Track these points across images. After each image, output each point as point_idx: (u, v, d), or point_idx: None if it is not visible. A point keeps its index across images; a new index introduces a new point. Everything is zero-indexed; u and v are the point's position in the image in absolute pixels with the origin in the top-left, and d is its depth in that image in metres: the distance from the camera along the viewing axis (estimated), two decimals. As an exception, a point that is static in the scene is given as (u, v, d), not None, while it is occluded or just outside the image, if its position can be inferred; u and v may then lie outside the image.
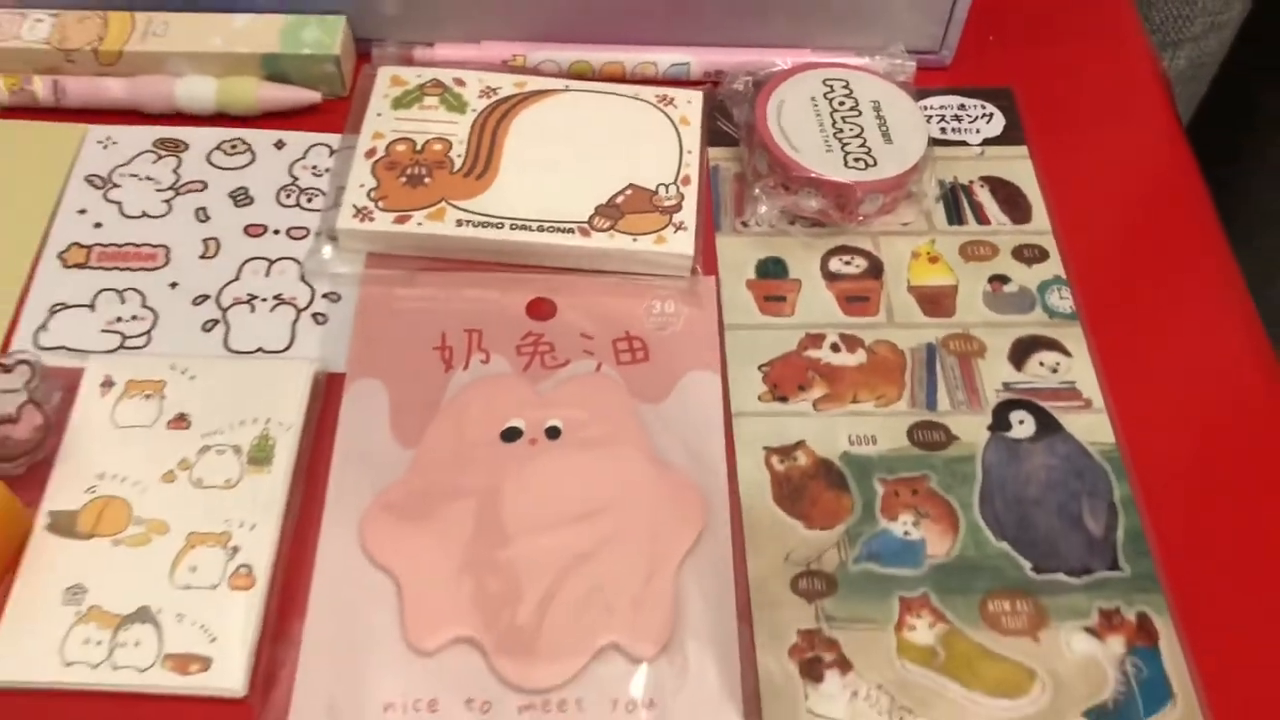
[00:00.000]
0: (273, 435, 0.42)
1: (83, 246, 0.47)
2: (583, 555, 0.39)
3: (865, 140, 0.48)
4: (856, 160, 0.48)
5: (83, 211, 0.48)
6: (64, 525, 0.40)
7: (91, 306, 0.45)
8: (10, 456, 0.40)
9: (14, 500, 0.39)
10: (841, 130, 0.49)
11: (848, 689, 0.38)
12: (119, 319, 0.45)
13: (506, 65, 0.53)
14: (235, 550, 0.39)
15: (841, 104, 0.50)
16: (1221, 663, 0.39)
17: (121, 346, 0.44)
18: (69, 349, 0.44)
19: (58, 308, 0.45)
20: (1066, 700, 0.38)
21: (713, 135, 0.51)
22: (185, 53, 0.50)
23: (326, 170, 0.50)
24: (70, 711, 0.37)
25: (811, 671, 0.38)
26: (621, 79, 0.53)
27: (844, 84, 0.50)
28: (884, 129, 0.49)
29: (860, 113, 0.49)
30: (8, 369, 0.41)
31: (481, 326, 0.46)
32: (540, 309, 0.46)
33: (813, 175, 0.47)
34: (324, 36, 0.51)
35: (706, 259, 0.48)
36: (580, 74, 0.53)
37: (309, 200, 0.49)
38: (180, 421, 0.42)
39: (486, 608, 0.38)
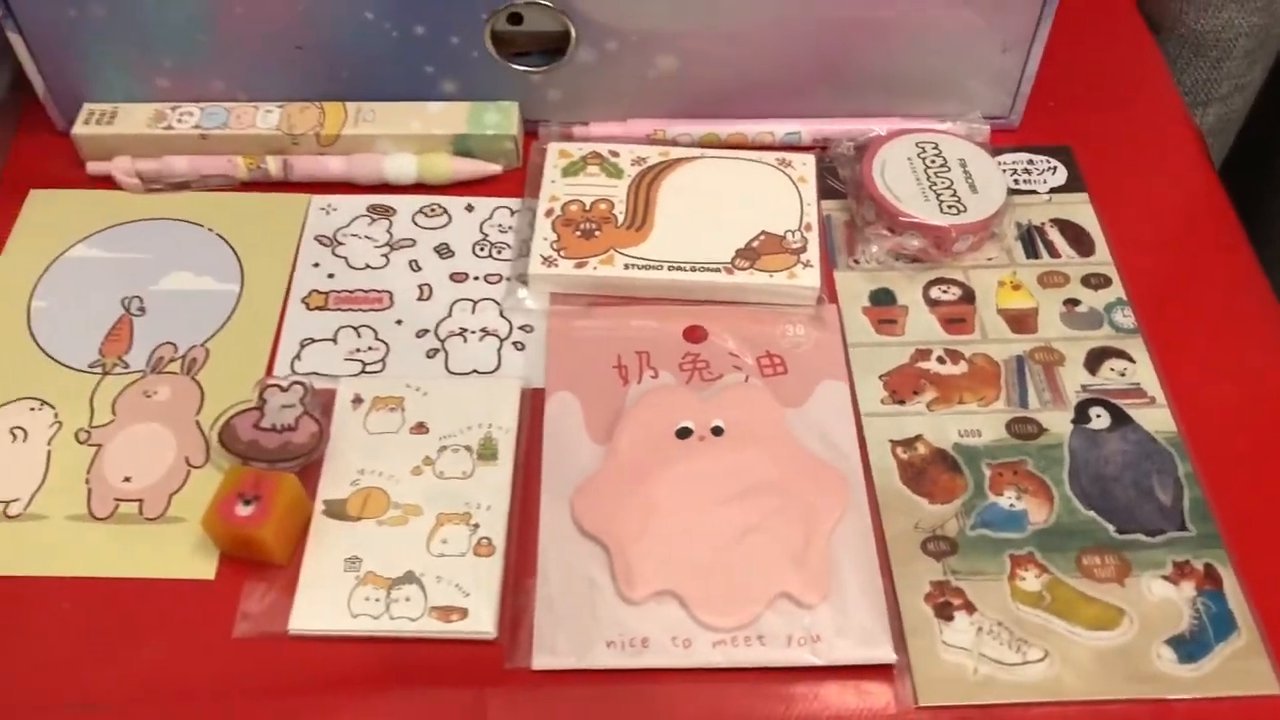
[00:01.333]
0: (495, 436, 0.52)
1: (320, 293, 0.57)
2: (752, 526, 0.49)
3: (955, 191, 0.59)
4: (950, 207, 0.58)
5: (316, 265, 0.59)
6: (337, 510, 0.50)
7: (334, 340, 0.56)
8: (291, 457, 0.50)
9: (302, 491, 0.49)
10: (935, 183, 0.59)
11: (974, 625, 0.47)
12: (358, 350, 0.55)
13: (649, 138, 0.63)
14: (476, 526, 0.49)
15: (933, 161, 0.60)
16: (1276, 600, 0.48)
17: (363, 371, 0.55)
18: (320, 374, 0.54)
19: (306, 342, 0.56)
20: (1150, 632, 0.47)
21: (823, 190, 0.62)
22: (390, 134, 0.61)
23: (510, 228, 0.60)
24: (360, 653, 0.46)
25: (944, 612, 0.47)
26: (745, 146, 0.63)
27: (934, 145, 0.61)
28: (970, 181, 0.59)
29: (949, 168, 0.60)
30: (285, 389, 0.52)
31: (648, 349, 0.56)
32: (694, 334, 0.56)
33: (915, 220, 0.57)
34: (502, 119, 0.62)
35: (828, 290, 0.58)
36: (710, 144, 0.63)
37: (499, 252, 0.59)
38: (420, 428, 0.52)
39: (680, 566, 0.48)
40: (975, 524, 0.50)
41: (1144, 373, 0.55)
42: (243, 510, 0.47)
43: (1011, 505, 0.51)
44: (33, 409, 0.53)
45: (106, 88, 0.62)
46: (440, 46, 0.60)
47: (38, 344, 0.55)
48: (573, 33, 0.59)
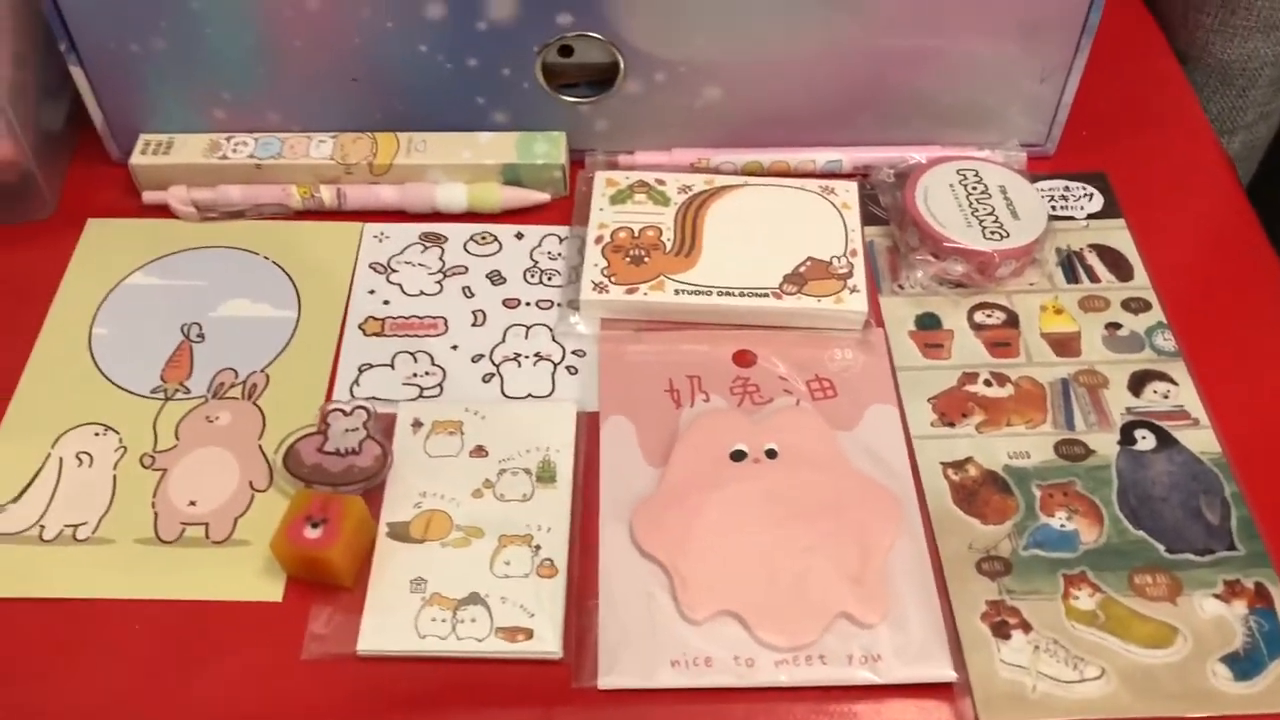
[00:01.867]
0: (553, 459, 0.53)
1: (376, 319, 0.59)
2: (809, 547, 0.50)
3: (997, 217, 0.60)
4: (992, 234, 0.59)
5: (372, 292, 0.60)
6: (400, 532, 0.51)
7: (391, 366, 0.57)
8: (355, 480, 0.51)
9: (368, 514, 0.50)
10: (977, 209, 0.60)
11: (1031, 644, 0.48)
12: (415, 375, 0.56)
13: (693, 167, 0.65)
14: (538, 548, 0.50)
15: (974, 188, 0.61)
16: (1327, 617, 0.48)
17: (420, 396, 0.56)
18: (379, 399, 0.55)
19: (365, 367, 0.57)
20: (1204, 650, 0.48)
21: (865, 216, 0.63)
22: (441, 164, 0.62)
23: (559, 255, 0.62)
24: (428, 673, 0.47)
25: (1000, 631, 0.48)
26: (787, 174, 0.65)
27: (974, 172, 0.62)
28: (1011, 208, 0.60)
29: (990, 195, 0.61)
30: (348, 413, 0.53)
31: (699, 373, 0.57)
32: (744, 358, 0.57)
33: (960, 246, 0.59)
34: (551, 149, 0.63)
35: (874, 315, 0.59)
36: (752, 171, 0.65)
37: (549, 279, 0.60)
38: (480, 451, 0.53)
39: (742, 588, 0.49)
40: (1028, 544, 0.51)
41: (1186, 395, 0.56)
42: (311, 533, 0.48)
43: (1063, 526, 0.52)
44: (97, 434, 0.54)
45: (163, 119, 0.63)
46: (491, 78, 0.61)
47: (100, 370, 0.56)
48: (621, 64, 0.60)
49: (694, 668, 0.47)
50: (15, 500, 0.52)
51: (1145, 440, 0.54)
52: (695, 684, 0.47)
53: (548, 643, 0.47)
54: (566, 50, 0.61)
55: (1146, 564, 0.50)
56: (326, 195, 0.62)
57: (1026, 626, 0.48)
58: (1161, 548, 0.51)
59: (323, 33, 0.59)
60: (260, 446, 0.54)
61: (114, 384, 0.56)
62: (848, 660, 0.47)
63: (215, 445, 0.54)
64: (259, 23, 0.59)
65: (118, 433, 0.54)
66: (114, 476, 0.52)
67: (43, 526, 0.51)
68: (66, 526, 0.51)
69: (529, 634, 0.48)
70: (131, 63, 0.60)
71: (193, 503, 0.52)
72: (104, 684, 0.47)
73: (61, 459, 0.53)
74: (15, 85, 0.60)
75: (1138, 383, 0.57)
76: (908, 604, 0.49)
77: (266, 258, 0.61)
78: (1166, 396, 0.56)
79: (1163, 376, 0.57)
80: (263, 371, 0.56)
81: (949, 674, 0.47)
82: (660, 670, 0.47)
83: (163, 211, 0.63)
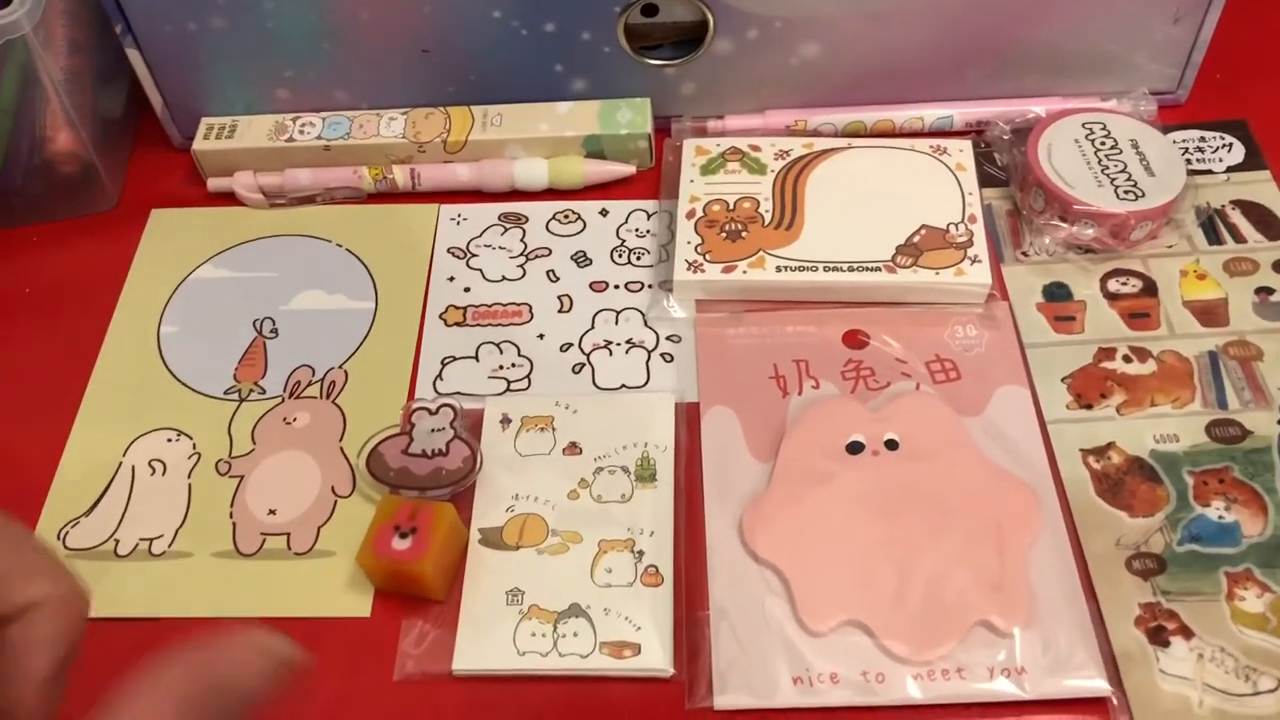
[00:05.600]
0: (652, 456, 0.49)
1: (458, 308, 0.55)
2: (940, 547, 0.45)
3: (1130, 174, 0.54)
4: (1126, 193, 0.53)
5: (451, 279, 0.56)
6: (493, 539, 0.47)
7: (475, 358, 0.53)
8: (443, 484, 0.47)
9: (459, 521, 0.46)
10: (1108, 167, 0.55)
11: (1194, 652, 0.43)
12: (500, 367, 0.52)
13: (789, 130, 0.60)
14: (641, 554, 0.46)
15: (1103, 144, 0.56)
16: None
17: (508, 389, 0.52)
18: (463, 394, 0.52)
19: (448, 360, 0.53)
20: (1394, 656, 0.42)
21: (981, 178, 0.57)
22: (519, 138, 0.58)
23: (648, 232, 0.57)
24: (529, 693, 0.44)
25: (1158, 638, 0.43)
26: (892, 134, 0.60)
27: (1102, 126, 0.56)
28: (1144, 163, 0.55)
29: (1120, 150, 0.55)
30: (433, 412, 0.49)
31: (807, 357, 0.52)
32: (854, 339, 0.53)
33: (1091, 208, 0.53)
34: (636, 117, 0.58)
35: (998, 286, 0.54)
36: (854, 133, 0.60)
37: (638, 258, 0.56)
38: (573, 449, 0.49)
39: (867, 595, 0.44)
40: (1183, 538, 0.46)
41: (1353, 365, 0.50)
42: (400, 544, 0.44)
43: (1221, 517, 0.46)
44: (170, 440, 0.51)
45: (225, 101, 0.59)
46: (570, 43, 0.57)
47: (170, 371, 0.53)
48: (710, 22, 0.56)
49: (818, 685, 0.43)
50: (88, 513, 0.49)
51: (1309, 418, 0.49)
52: (820, 703, 0.42)
53: (657, 659, 0.44)
54: (650, 9, 0.56)
55: (1321, 559, 0.45)
56: (399, 176, 0.59)
57: (1187, 632, 0.43)
58: (1337, 540, 0.45)
59: (390, 2, 0.55)
60: (342, 449, 0.50)
61: (185, 385, 0.53)
62: (988, 674, 0.43)
63: (294, 449, 0.50)
64: (322, -6, 0.55)
65: (191, 438, 0.51)
66: (189, 485, 0.50)
67: (117, 541, 0.48)
68: (142, 540, 0.48)
69: (636, 649, 0.44)
70: (190, 43, 0.57)
71: (272, 511, 0.49)
72: (187, 709, 0.44)
73: (134, 468, 0.50)
74: (71, 72, 0.57)
75: (1296, 353, 0.51)
76: (1052, 609, 0.44)
77: (339, 245, 0.58)
78: (1330, 368, 0.50)
79: (1325, 346, 0.51)
80: (341, 368, 0.53)
81: (1102, 687, 0.42)
82: (781, 688, 0.43)
83: (229, 199, 0.60)
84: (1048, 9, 0.56)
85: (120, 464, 0.50)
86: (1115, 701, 0.42)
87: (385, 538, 0.44)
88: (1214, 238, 0.55)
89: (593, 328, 0.54)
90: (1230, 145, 0.59)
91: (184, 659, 0.28)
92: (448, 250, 0.57)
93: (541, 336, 0.53)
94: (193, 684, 0.27)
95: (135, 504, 0.49)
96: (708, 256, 0.54)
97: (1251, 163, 0.58)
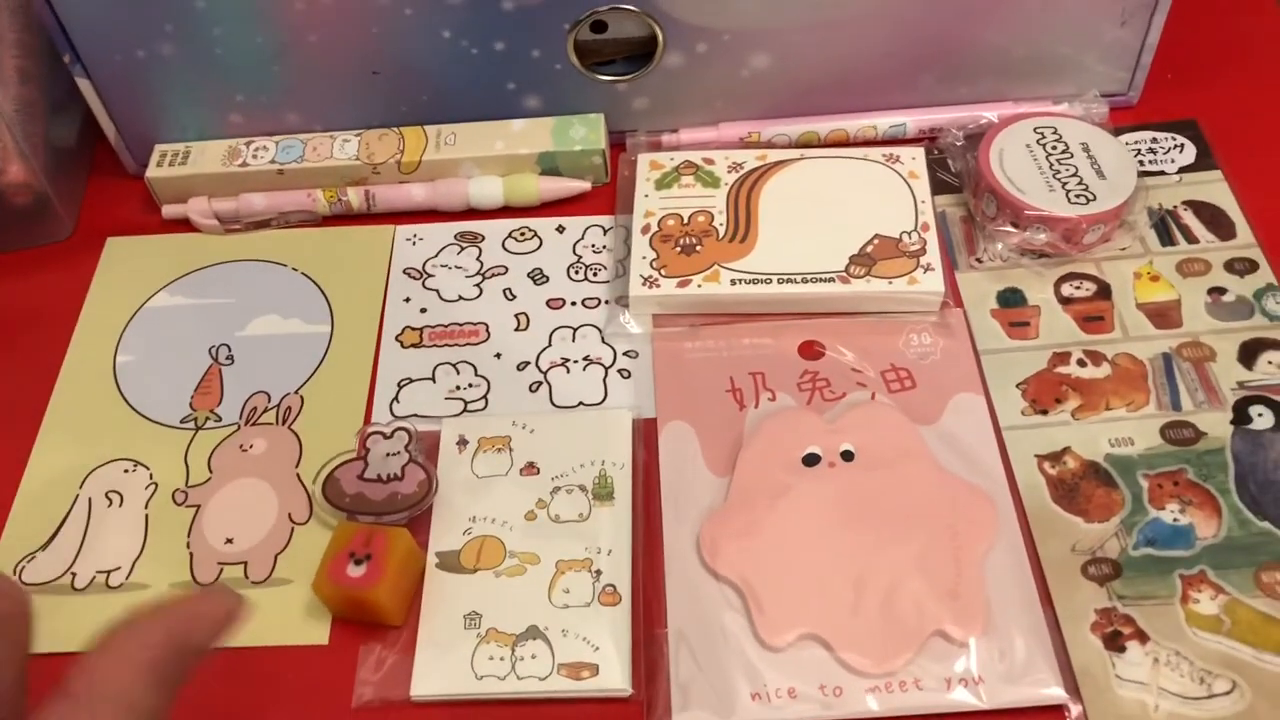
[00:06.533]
0: (609, 474, 0.49)
1: (414, 329, 0.55)
2: (898, 558, 0.45)
3: (1081, 178, 0.54)
4: (1078, 197, 0.54)
5: (408, 299, 0.56)
6: (450, 562, 0.47)
7: (432, 379, 0.53)
8: (399, 509, 0.47)
9: (415, 545, 0.46)
10: (1059, 171, 0.55)
11: (1149, 656, 0.43)
12: (457, 387, 0.52)
13: (743, 142, 0.60)
14: (599, 573, 0.46)
15: (1054, 148, 0.56)
16: None
17: (465, 410, 0.52)
18: (420, 416, 0.51)
19: (405, 382, 0.53)
20: (1348, 655, 0.43)
21: (934, 185, 0.57)
22: (473, 157, 0.58)
23: (604, 248, 0.57)
24: (488, 717, 0.43)
25: (1113, 643, 0.44)
26: (846, 143, 0.60)
27: (1053, 130, 0.56)
28: (1096, 166, 0.55)
29: (1072, 154, 0.55)
30: (388, 436, 0.49)
31: (763, 369, 0.52)
32: (810, 350, 0.53)
33: (1043, 213, 0.53)
34: (590, 133, 0.58)
35: (952, 294, 0.54)
36: (808, 143, 0.60)
37: (595, 275, 0.56)
38: (531, 469, 0.49)
39: (824, 608, 0.44)
40: (1138, 542, 0.46)
41: (1306, 364, 0.51)
42: (354, 571, 0.44)
43: (1176, 520, 0.47)
44: (127, 470, 0.51)
45: (178, 127, 0.59)
46: (521, 61, 0.57)
47: (126, 401, 0.53)
48: (660, 37, 0.56)
49: (776, 700, 0.43)
50: (44, 547, 0.49)
51: (1262, 418, 0.49)
52: (779, 718, 0.42)
53: (615, 679, 0.43)
54: (599, 26, 0.56)
55: (1274, 559, 0.45)
56: (354, 198, 0.58)
57: (1143, 637, 0.44)
58: (1290, 540, 0.46)
59: (338, 24, 0.55)
60: (298, 475, 0.50)
61: (141, 415, 0.53)
62: (946, 684, 0.43)
63: (251, 476, 0.50)
64: (270, 19, 0.55)
65: (148, 468, 0.51)
66: (146, 516, 0.49)
67: (74, 574, 0.48)
68: (99, 573, 0.48)
69: (594, 670, 0.44)
70: (140, 71, 0.56)
71: (230, 540, 0.49)
72: (146, 742, 0.44)
73: (91, 499, 0.50)
74: (22, 102, 0.57)
75: (1249, 353, 0.51)
76: (1008, 617, 0.44)
77: (295, 269, 0.58)
78: (1283, 367, 0.51)
79: (1277, 345, 0.51)
80: (297, 393, 0.53)
81: (1059, 695, 0.42)
82: (740, 704, 0.43)
83: (184, 226, 0.60)
84: (996, 13, 0.56)
85: (77, 496, 0.50)
86: (1072, 709, 0.42)
87: (340, 565, 0.44)
88: (1167, 239, 0.55)
89: (550, 345, 0.54)
90: (1182, 145, 0.59)
91: (148, 623, 0.31)
92: (404, 271, 0.57)
93: (498, 356, 0.53)
94: (158, 649, 0.30)
95: (92, 536, 0.49)
96: (663, 271, 0.54)
97: (1203, 162, 0.58)
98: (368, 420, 0.52)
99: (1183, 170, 0.58)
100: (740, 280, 0.53)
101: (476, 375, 0.53)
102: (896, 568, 0.45)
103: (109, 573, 0.48)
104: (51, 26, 0.55)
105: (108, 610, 0.47)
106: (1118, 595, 0.45)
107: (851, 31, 0.56)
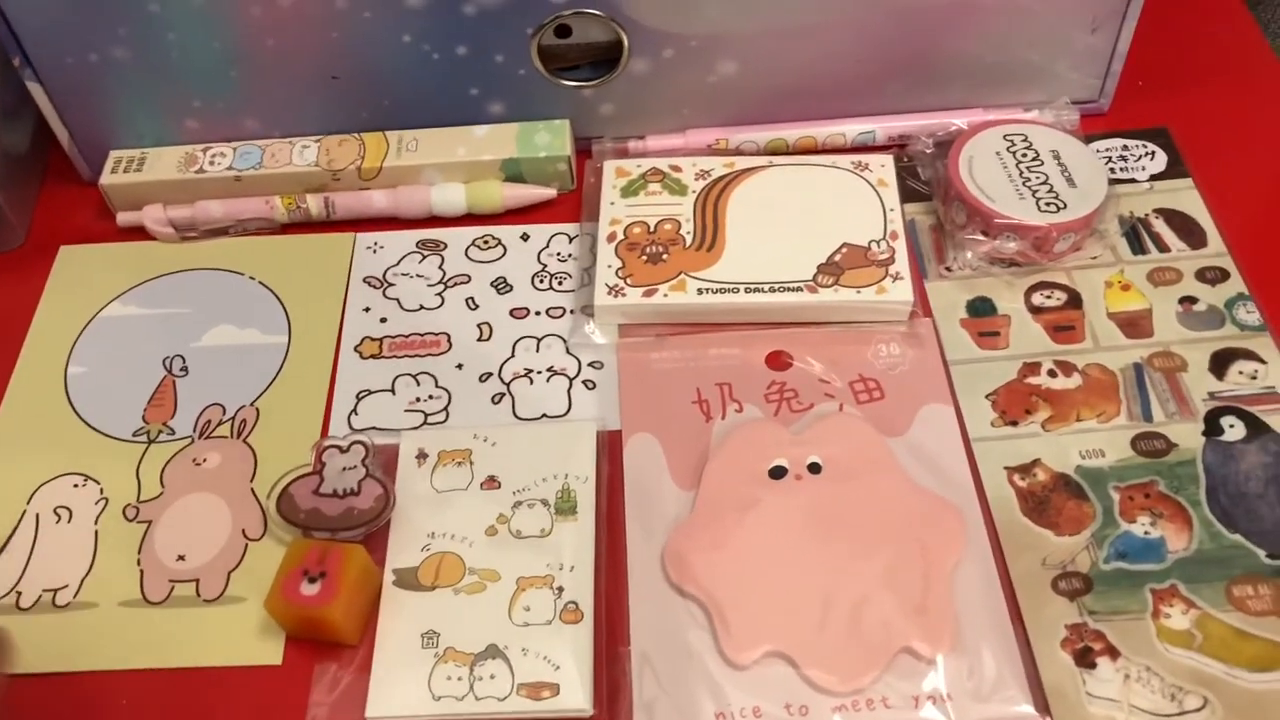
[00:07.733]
0: (573, 488, 0.47)
1: (374, 339, 0.53)
2: (864, 573, 0.44)
3: (1051, 186, 0.54)
4: (1048, 205, 0.53)
5: (367, 309, 0.55)
6: (408, 580, 0.46)
7: (392, 391, 0.52)
8: (355, 525, 0.46)
9: (371, 562, 0.45)
10: (1029, 179, 0.54)
11: (1120, 672, 0.42)
12: (418, 399, 0.51)
13: (711, 149, 0.59)
14: (560, 590, 0.45)
15: (1024, 155, 0.55)
16: None
17: (425, 423, 0.51)
18: (379, 429, 0.50)
19: (363, 394, 0.52)
20: (1319, 670, 0.42)
21: (904, 193, 0.57)
22: (436, 164, 0.57)
23: (570, 256, 0.56)
24: (445, 738, 0.42)
25: (1084, 660, 0.43)
26: (815, 151, 0.59)
27: (1023, 137, 0.56)
28: (1066, 174, 0.54)
29: (1042, 161, 0.55)
30: (344, 450, 0.48)
31: (730, 380, 0.51)
32: (778, 360, 0.52)
33: (1012, 221, 0.53)
34: (554, 139, 0.57)
35: (921, 303, 0.53)
36: (776, 150, 0.59)
37: (560, 283, 0.55)
38: (491, 482, 0.48)
39: (790, 624, 0.43)
40: (1109, 556, 0.45)
41: (1277, 374, 0.50)
42: (308, 589, 0.43)
43: (1146, 533, 0.46)
44: (76, 485, 0.49)
45: (133, 133, 0.58)
46: (484, 66, 0.56)
47: (77, 413, 0.52)
48: (625, 42, 0.55)
49: (741, 719, 0.42)
50: (-11, 565, 0.47)
51: (1234, 429, 0.48)
52: (744, 738, 0.42)
53: (576, 699, 0.42)
54: (564, 30, 0.55)
55: (1246, 572, 0.44)
56: (313, 205, 0.57)
57: (1114, 652, 0.43)
58: (1262, 553, 0.45)
59: (296, 29, 0.54)
60: (253, 490, 0.49)
61: (93, 428, 0.51)
62: (914, 702, 0.42)
63: (204, 491, 0.49)
64: (226, 22, 0.54)
65: (98, 483, 0.49)
66: (95, 532, 0.48)
67: (19, 593, 0.46)
68: (45, 591, 0.46)
69: (555, 689, 0.43)
70: (93, 74, 0.55)
71: (181, 557, 0.47)
72: (92, 767, 0.43)
73: (38, 515, 0.49)
74: (-30, 107, 0.55)
75: (1220, 363, 0.51)
76: (977, 633, 0.43)
77: (252, 278, 0.56)
78: (1254, 377, 0.50)
79: (1248, 355, 0.51)
80: (252, 405, 0.51)
81: (1029, 713, 0.41)
82: (703, 724, 0.42)
83: (140, 234, 0.58)
84: (967, 20, 0.55)
85: (24, 511, 0.49)
86: (1042, 727, 0.41)
87: (294, 582, 0.43)
88: (1138, 248, 0.55)
89: (513, 356, 0.53)
90: (1153, 153, 0.59)
91: None
92: (364, 280, 0.56)
93: (460, 367, 0.52)
94: None
95: (39, 554, 0.48)
96: (629, 280, 0.53)
97: (1174, 170, 0.58)
98: (325, 434, 0.51)
99: (1154, 178, 0.58)
100: (707, 289, 0.53)
101: (437, 387, 0.52)
102: (864, 583, 0.44)
103: (56, 591, 0.46)
104: (0, 29, 0.53)
105: (54, 630, 0.45)
106: (1088, 610, 0.44)
107: (820, 38, 0.56)
